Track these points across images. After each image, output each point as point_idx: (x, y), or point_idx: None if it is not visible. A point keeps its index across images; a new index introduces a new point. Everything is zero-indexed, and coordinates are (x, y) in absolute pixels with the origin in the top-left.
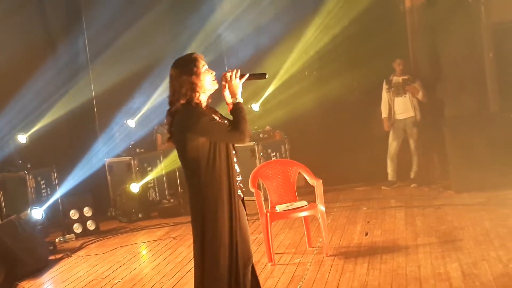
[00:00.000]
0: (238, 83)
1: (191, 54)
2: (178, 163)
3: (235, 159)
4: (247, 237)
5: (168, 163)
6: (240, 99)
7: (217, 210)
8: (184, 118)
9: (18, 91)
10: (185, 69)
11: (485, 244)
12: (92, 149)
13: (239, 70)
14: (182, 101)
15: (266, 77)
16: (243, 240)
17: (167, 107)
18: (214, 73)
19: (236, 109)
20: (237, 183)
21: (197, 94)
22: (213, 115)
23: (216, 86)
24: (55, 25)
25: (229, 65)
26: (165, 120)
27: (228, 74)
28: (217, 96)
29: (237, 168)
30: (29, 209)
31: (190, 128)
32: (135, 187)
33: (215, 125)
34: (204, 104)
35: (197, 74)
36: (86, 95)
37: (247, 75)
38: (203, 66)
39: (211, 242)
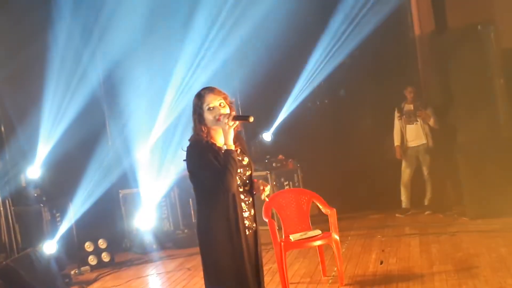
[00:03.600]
0: (227, 129)
1: (200, 90)
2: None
3: (242, 196)
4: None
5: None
6: (229, 146)
7: (213, 243)
8: (188, 155)
9: (32, 123)
10: (193, 106)
11: (501, 271)
12: (106, 181)
13: (231, 115)
14: (193, 137)
15: (251, 120)
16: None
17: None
18: (220, 111)
19: (224, 156)
20: (244, 216)
21: (205, 130)
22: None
23: (221, 126)
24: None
25: (239, 91)
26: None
27: (222, 117)
28: None
29: (246, 199)
30: (45, 242)
31: (188, 167)
32: (142, 222)
33: (204, 169)
34: (219, 139)
35: (200, 114)
36: (99, 124)
37: (236, 122)
38: (206, 105)
39: (215, 275)
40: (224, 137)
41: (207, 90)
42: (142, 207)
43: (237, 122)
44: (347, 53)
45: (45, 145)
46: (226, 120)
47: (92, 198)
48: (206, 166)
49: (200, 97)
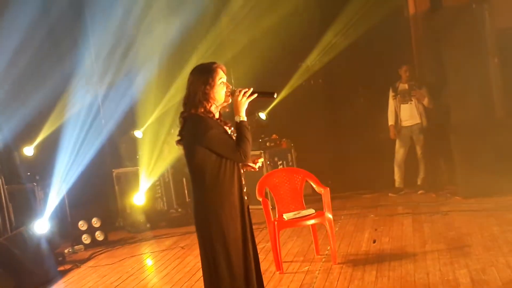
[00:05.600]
0: (244, 101)
1: (212, 63)
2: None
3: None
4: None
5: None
6: (243, 117)
7: (221, 219)
8: (193, 128)
9: (24, 103)
10: (201, 77)
11: (493, 250)
12: (100, 160)
13: (249, 90)
14: (194, 110)
15: (275, 96)
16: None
17: (182, 109)
18: (229, 88)
19: (239, 128)
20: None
21: (210, 105)
22: (225, 127)
23: (229, 101)
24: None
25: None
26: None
27: (237, 91)
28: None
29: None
30: (37, 220)
31: (197, 140)
32: (139, 199)
33: (221, 140)
34: (216, 115)
35: (211, 86)
36: (93, 105)
37: (255, 95)
38: (219, 79)
39: (220, 250)
40: (236, 109)
41: (218, 65)
42: (136, 186)
43: (255, 95)
44: (343, 33)
45: (49, 127)
46: (241, 95)
47: (86, 177)
48: (221, 138)
49: (212, 70)
